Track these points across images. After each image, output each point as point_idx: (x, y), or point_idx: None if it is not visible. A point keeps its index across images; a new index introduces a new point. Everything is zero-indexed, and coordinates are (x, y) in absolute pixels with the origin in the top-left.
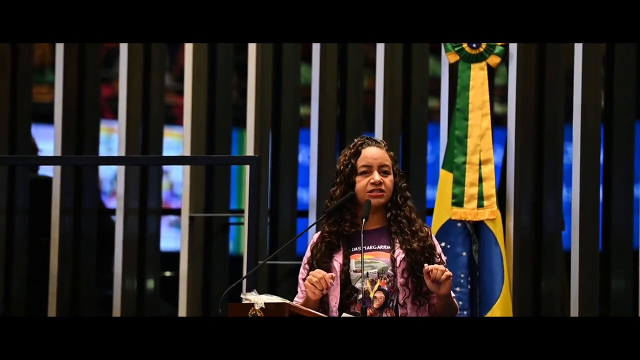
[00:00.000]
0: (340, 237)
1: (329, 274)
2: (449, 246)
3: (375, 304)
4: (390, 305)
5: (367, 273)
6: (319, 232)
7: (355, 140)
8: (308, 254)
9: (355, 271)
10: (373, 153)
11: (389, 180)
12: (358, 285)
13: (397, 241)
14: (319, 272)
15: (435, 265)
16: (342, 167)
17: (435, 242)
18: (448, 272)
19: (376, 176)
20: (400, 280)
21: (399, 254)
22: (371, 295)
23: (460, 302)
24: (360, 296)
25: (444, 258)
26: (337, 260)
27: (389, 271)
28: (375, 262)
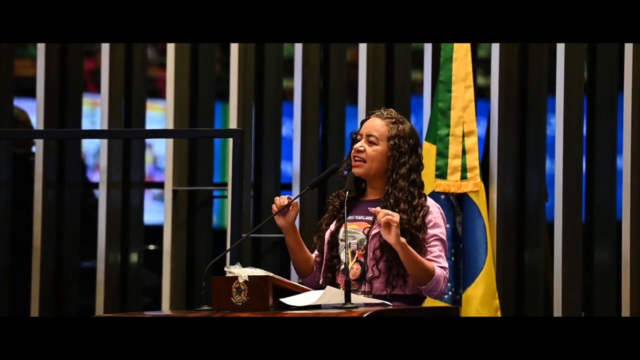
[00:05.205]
0: (344, 202)
1: (286, 195)
2: None
3: (352, 275)
4: (367, 278)
5: (350, 243)
6: None
7: None
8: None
9: (342, 240)
10: (367, 122)
11: (372, 150)
12: (343, 255)
13: None
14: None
15: (384, 210)
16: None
17: (434, 221)
18: (390, 217)
19: (359, 144)
20: (369, 254)
21: (375, 229)
22: (349, 266)
23: None
24: (343, 267)
25: (431, 233)
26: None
27: (365, 243)
28: (357, 232)
